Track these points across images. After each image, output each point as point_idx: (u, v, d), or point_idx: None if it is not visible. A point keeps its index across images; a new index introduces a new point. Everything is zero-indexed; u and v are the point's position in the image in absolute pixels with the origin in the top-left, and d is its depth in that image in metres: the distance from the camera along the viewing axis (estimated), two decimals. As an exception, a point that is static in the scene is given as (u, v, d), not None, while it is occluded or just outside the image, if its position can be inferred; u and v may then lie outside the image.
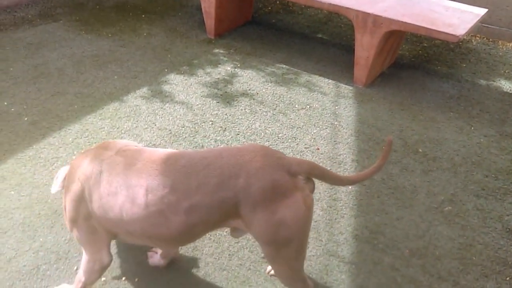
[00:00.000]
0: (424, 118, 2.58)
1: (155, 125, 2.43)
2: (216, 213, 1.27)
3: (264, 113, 2.59)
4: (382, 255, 1.80)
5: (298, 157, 2.27)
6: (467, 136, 2.43)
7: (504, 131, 2.47)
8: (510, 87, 2.85)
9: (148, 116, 2.50)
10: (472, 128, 2.50)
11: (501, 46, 3.34)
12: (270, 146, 2.33)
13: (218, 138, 2.38)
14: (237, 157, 1.28)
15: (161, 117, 2.50)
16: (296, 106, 2.67)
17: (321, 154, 2.31)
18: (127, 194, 1.29)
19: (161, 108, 2.58)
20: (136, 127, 2.40)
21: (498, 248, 1.82)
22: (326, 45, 3.38)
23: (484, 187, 2.11)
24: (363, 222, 1.94)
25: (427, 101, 2.73)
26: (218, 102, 2.66)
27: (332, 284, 1.68)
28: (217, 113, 2.57)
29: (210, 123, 2.49)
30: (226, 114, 2.57)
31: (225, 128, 2.45)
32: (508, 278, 1.70)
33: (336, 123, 2.54)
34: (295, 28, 3.64)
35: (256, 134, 2.42)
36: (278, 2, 4.07)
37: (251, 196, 1.23)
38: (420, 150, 2.34)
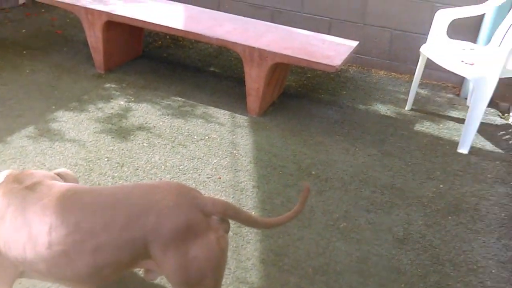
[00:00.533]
0: (314, 143, 2.76)
1: (45, 165, 2.27)
2: (125, 254, 1.22)
3: (163, 146, 2.57)
4: (288, 276, 1.86)
5: (201, 187, 2.28)
6: (353, 157, 2.66)
7: (384, 150, 2.74)
8: (385, 110, 3.19)
9: (36, 156, 2.33)
10: (357, 149, 2.74)
11: (374, 74, 3.74)
12: (171, 179, 2.31)
13: (116, 174, 2.29)
14: (148, 195, 1.24)
15: (51, 157, 2.34)
16: (195, 137, 2.69)
17: (223, 182, 2.34)
18: (30, 231, 1.20)
19: (50, 147, 2.41)
20: (24, 168, 2.22)
21: (391, 258, 1.99)
22: (218, 77, 3.48)
23: (373, 202, 2.31)
24: (268, 246, 1.99)
25: (315, 127, 2.94)
26: (113, 138, 2.58)
27: (243, 311, 1.70)
28: (112, 149, 2.48)
29: (106, 159, 2.39)
30: (122, 149, 2.49)
31: (123, 164, 2.38)
32: (403, 285, 1.87)
33: (235, 151, 2.60)
34: (187, 62, 3.69)
35: (157, 168, 2.38)
36: (168, 37, 4.10)
37: (162, 236, 1.21)
38: (313, 172, 2.49)
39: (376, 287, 1.85)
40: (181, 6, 3.39)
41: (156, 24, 2.99)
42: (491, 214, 2.27)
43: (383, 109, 3.21)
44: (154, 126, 2.74)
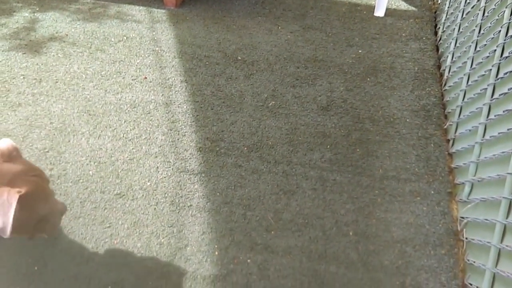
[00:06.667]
0: (237, 28, 2.73)
1: (-44, 93, 2.15)
2: None
3: (80, 54, 2.46)
4: (225, 158, 1.97)
5: (128, 90, 2.26)
6: (276, 36, 2.67)
7: (305, 24, 2.76)
8: (304, -16, 3.14)
9: None
10: (279, 27, 2.74)
11: None
12: (95, 86, 2.26)
13: (36, 91, 2.21)
14: None
15: (-39, 84, 2.20)
16: (113, 39, 2.58)
17: (150, 82, 2.32)
18: None
19: (-43, 73, 2.26)
20: None
21: (317, 125, 2.13)
22: (128, -29, 3.23)
23: (298, 77, 2.39)
24: (204, 135, 2.07)
25: (236, 11, 2.88)
26: (24, 53, 2.43)
27: (188, 196, 1.82)
28: (26, 65, 2.35)
29: (22, 77, 2.28)
30: (37, 64, 2.37)
31: (41, 79, 2.28)
32: (328, 146, 2.03)
33: (157, 48, 2.54)
34: (90, -42, 3.37)
35: (77, 78, 2.31)
36: None
37: None
38: (239, 58, 2.51)
39: (305, 152, 2.01)
40: None
41: None
42: (406, 70, 2.43)
43: (301, -18, 3.16)
44: (67, 34, 2.59)
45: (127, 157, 1.95)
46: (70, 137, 2.02)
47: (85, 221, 1.71)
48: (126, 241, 1.67)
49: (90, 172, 1.89)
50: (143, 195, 1.81)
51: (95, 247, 1.64)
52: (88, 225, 1.70)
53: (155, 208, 1.77)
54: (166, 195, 1.82)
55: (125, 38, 2.60)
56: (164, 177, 1.88)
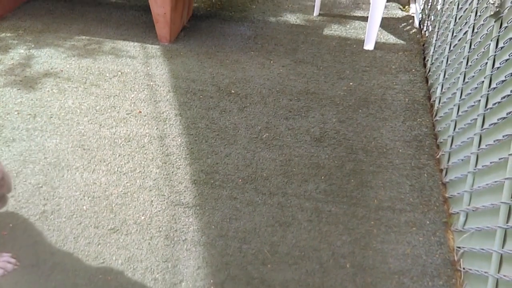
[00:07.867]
0: (230, 62, 2.78)
1: (-51, 130, 2.14)
2: None
3: (75, 89, 2.48)
4: (220, 190, 1.97)
5: (122, 124, 2.27)
6: (269, 70, 2.72)
7: (297, 58, 2.82)
8: (295, 19, 3.23)
9: None
10: (272, 61, 2.80)
11: (281, -15, 3.72)
12: (89, 121, 2.27)
13: (30, 126, 2.21)
14: None
15: (-45, 120, 2.20)
16: (107, 75, 2.61)
17: (144, 116, 2.34)
18: None
19: (-49, 110, 2.27)
20: None
21: (311, 156, 2.15)
22: (122, 8, 3.31)
23: (290, 109, 2.42)
24: (198, 167, 2.07)
25: (229, 46, 2.94)
26: (19, 89, 2.45)
27: (182, 229, 1.80)
28: (21, 101, 2.37)
29: (16, 113, 2.29)
30: (32, 99, 2.39)
31: (35, 115, 2.29)
32: (323, 177, 2.04)
33: (151, 83, 2.57)
34: (86, -4, 3.46)
35: (72, 113, 2.32)
36: (59, -29, 3.77)
37: None
38: (233, 91, 2.54)
39: (300, 183, 2.01)
40: None
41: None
42: (396, 101, 2.48)
43: (292, 18, 3.25)
44: (62, 70, 2.62)
45: (121, 191, 1.94)
46: (64, 172, 2.01)
47: (78, 257, 1.68)
48: (120, 277, 1.64)
49: (84, 207, 1.87)
50: (137, 230, 1.79)
51: (89, 283, 1.61)
52: (81, 261, 1.67)
53: (149, 243, 1.75)
54: (160, 229, 1.80)
55: (119, 73, 2.63)
56: (159, 211, 1.87)
